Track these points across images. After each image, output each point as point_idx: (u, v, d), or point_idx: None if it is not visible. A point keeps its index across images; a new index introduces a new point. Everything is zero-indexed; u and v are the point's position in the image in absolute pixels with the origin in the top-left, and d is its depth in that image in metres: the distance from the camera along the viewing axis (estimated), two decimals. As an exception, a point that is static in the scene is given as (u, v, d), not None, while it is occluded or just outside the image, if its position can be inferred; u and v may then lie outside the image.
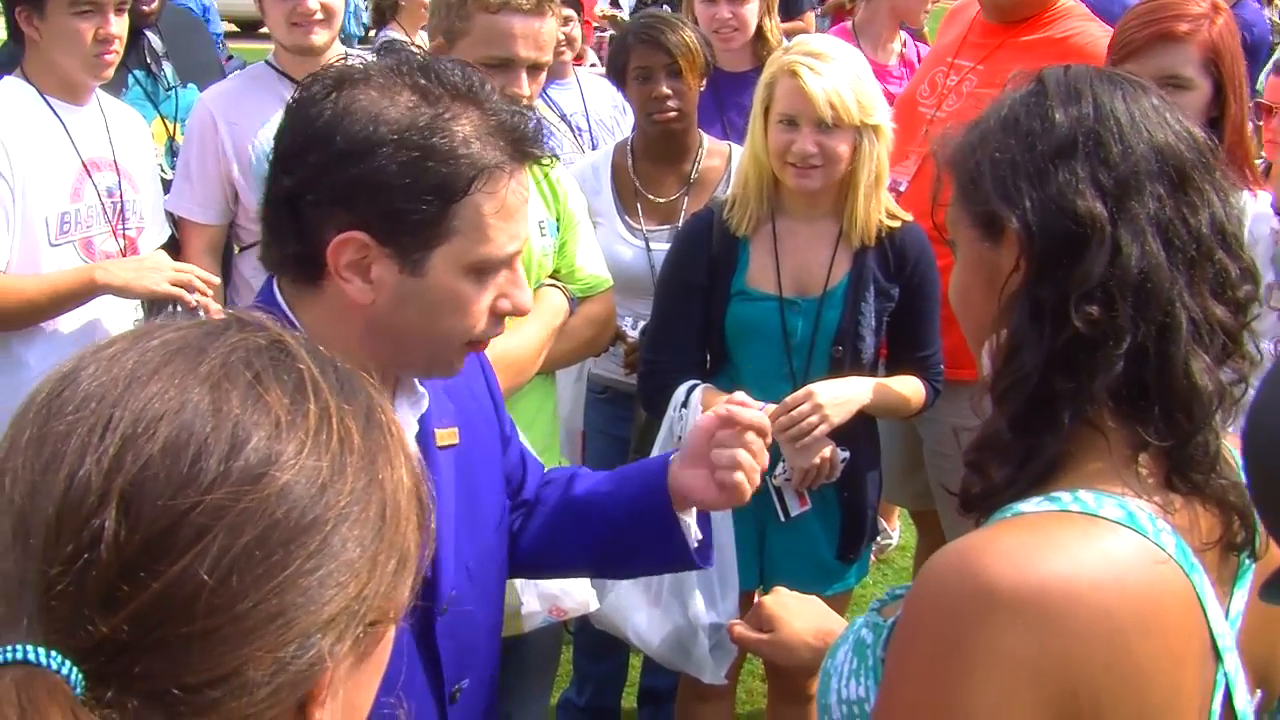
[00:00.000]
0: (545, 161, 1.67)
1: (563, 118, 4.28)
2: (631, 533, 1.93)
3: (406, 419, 1.72)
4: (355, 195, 1.51)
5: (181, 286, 3.02)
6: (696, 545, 1.92)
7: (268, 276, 1.68)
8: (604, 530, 1.96)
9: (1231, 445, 1.37)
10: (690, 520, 1.91)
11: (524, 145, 1.60)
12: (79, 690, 0.73)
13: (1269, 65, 4.89)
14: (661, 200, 3.61)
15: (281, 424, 0.81)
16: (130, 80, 3.71)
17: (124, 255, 3.23)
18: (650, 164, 3.63)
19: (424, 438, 1.74)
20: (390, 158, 1.50)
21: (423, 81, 1.55)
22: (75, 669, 0.73)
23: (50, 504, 0.76)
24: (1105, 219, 1.24)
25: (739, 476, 1.80)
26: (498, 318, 1.65)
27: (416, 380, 1.74)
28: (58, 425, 0.79)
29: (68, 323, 3.13)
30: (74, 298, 3.05)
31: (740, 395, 1.87)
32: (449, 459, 1.78)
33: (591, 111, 4.36)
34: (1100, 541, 1.19)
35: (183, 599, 0.75)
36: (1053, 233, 1.25)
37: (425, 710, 1.73)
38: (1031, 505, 1.24)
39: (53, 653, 0.73)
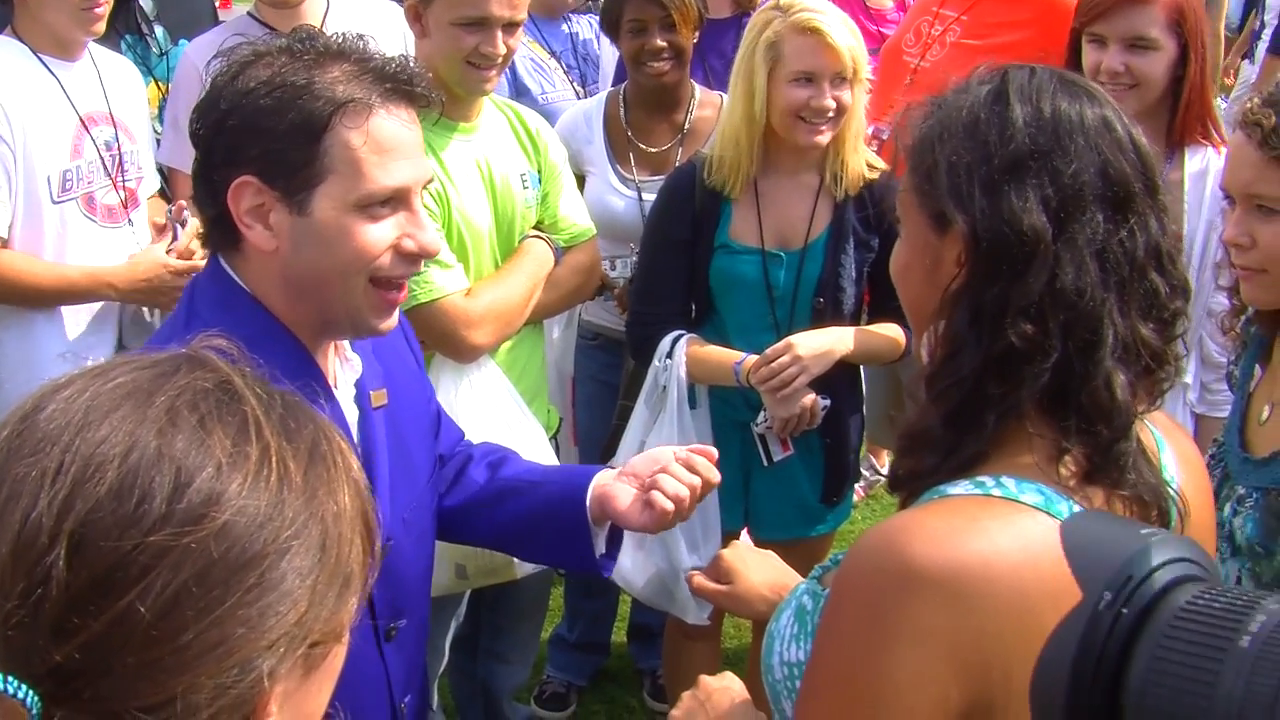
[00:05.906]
0: (426, 103, 1.75)
1: (553, 55, 4.30)
2: (543, 527, 2.05)
3: (345, 383, 1.84)
4: (239, 143, 1.65)
5: None
6: (602, 554, 2.04)
7: (210, 257, 1.81)
8: (520, 514, 2.08)
9: (1153, 425, 1.45)
10: (601, 532, 2.02)
11: (396, 84, 1.69)
12: (35, 712, 0.81)
13: None
14: (654, 150, 3.65)
15: (223, 465, 0.87)
16: (122, 47, 3.73)
17: (124, 206, 3.30)
18: (643, 114, 3.65)
19: (361, 399, 1.86)
20: (259, 102, 1.63)
21: (297, 47, 1.68)
22: (31, 693, 0.81)
23: (5, 544, 0.83)
24: (1049, 237, 1.29)
25: (669, 505, 1.91)
26: (405, 258, 1.73)
27: (349, 346, 1.86)
28: (15, 468, 0.86)
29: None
30: (82, 298, 3.23)
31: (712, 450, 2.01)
32: (380, 418, 1.88)
33: (579, 49, 4.39)
34: (1018, 524, 1.26)
35: (127, 632, 0.82)
36: (998, 243, 1.30)
37: (364, 649, 1.82)
38: (957, 489, 1.32)
39: (10, 678, 0.80)
